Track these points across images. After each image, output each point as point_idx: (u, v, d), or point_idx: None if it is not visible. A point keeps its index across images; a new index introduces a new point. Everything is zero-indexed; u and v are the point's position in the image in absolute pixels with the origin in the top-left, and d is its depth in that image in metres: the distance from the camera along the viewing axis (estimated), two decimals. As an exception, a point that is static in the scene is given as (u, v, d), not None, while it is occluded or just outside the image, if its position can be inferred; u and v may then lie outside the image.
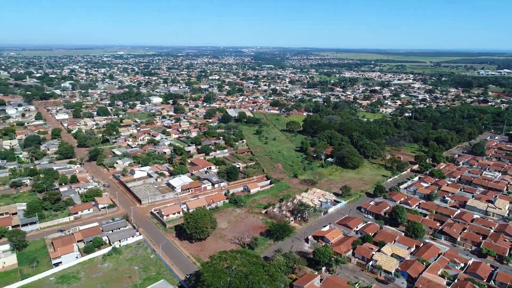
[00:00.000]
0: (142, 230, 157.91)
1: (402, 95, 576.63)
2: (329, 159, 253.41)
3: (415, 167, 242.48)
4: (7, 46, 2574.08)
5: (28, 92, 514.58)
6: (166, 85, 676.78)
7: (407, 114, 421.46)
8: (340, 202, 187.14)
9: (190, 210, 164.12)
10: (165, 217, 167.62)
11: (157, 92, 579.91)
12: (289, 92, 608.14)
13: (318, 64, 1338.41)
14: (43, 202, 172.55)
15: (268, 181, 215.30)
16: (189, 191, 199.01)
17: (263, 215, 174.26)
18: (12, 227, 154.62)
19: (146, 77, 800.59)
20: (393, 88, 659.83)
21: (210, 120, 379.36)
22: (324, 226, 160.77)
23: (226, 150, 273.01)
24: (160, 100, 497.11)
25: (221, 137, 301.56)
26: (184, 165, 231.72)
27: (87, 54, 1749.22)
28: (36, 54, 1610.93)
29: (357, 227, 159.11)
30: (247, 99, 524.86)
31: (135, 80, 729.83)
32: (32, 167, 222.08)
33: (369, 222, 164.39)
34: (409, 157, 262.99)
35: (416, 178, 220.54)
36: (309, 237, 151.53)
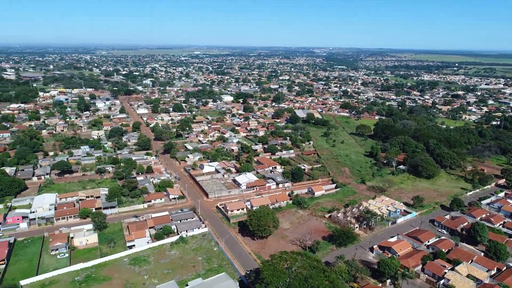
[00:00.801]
0: (207, 222, 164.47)
1: (490, 101, 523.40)
2: (401, 167, 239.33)
3: (502, 181, 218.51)
4: (100, 46, 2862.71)
5: (115, 88, 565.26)
6: (237, 84, 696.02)
7: (494, 123, 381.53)
8: (410, 213, 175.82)
9: (254, 208, 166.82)
10: (229, 212, 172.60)
11: (228, 91, 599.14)
12: (361, 94, 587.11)
13: (394, 65, 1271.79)
14: (122, 188, 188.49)
15: (334, 185, 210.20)
16: (253, 189, 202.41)
17: (327, 219, 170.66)
18: (96, 209, 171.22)
19: (219, 76, 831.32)
20: (479, 94, 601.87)
21: (278, 120, 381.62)
22: (392, 237, 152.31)
23: (292, 151, 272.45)
24: (231, 98, 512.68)
25: (288, 138, 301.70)
26: (250, 163, 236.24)
27: (167, 53, 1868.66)
28: (123, 54, 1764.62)
29: (428, 241, 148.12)
30: (316, 100, 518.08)
31: (209, 79, 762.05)
32: (114, 156, 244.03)
33: (442, 237, 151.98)
34: (495, 170, 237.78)
35: (501, 194, 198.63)
36: (374, 246, 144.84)
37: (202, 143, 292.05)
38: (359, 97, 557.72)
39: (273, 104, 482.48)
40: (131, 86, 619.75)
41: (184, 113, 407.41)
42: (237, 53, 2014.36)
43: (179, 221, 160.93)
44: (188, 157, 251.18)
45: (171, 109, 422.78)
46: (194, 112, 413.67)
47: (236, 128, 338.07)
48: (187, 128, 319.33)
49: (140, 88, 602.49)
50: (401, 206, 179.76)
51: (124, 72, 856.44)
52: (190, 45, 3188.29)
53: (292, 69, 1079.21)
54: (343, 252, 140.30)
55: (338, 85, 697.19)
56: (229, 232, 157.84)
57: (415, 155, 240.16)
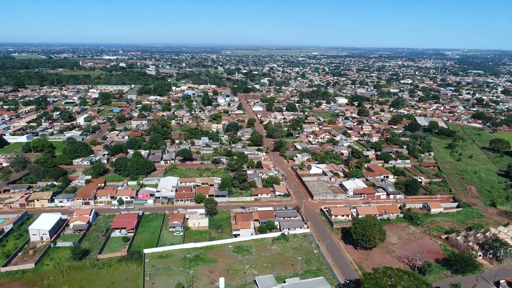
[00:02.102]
0: (309, 223, 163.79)
1: None
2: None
3: None
4: (226, 46, 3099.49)
5: (235, 85, 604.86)
6: (353, 87, 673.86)
7: None
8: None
9: (360, 216, 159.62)
10: (333, 216, 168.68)
11: (343, 93, 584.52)
12: (500, 104, 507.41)
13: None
14: (233, 180, 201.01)
15: (455, 204, 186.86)
16: (361, 196, 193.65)
17: (443, 240, 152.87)
18: (209, 196, 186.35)
19: (335, 77, 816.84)
20: None
21: (395, 127, 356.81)
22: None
23: (408, 161, 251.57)
24: (345, 101, 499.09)
25: (404, 146, 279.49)
26: (360, 169, 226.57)
27: (285, 54, 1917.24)
28: (246, 53, 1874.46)
29: None
30: (442, 108, 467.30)
31: (324, 80, 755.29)
32: (229, 149, 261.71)
33: None
34: None
35: None
36: (501, 281, 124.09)
37: (312, 144, 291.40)
38: (497, 107, 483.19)
39: (391, 109, 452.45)
40: (249, 84, 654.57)
41: (296, 112, 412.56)
42: (356, 55, 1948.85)
43: (282, 218, 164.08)
44: (296, 156, 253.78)
45: (284, 108, 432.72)
46: (306, 113, 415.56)
47: (348, 131, 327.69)
48: (298, 128, 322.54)
49: (257, 86, 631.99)
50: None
51: (244, 71, 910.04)
52: (308, 46, 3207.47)
53: (417, 72, 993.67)
54: (460, 281, 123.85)
55: (471, 92, 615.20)
56: (331, 236, 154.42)
57: None
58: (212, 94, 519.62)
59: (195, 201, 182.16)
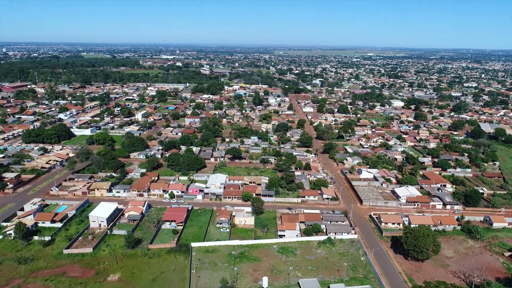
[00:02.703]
0: (357, 229, 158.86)
1: None
2: None
3: None
4: (279, 46, 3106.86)
5: (286, 86, 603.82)
6: (410, 89, 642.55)
7: None
8: None
9: (412, 225, 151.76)
10: (383, 224, 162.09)
11: (399, 95, 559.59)
12: None
13: None
14: (280, 180, 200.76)
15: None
16: (414, 205, 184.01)
17: (506, 258, 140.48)
18: (256, 195, 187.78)
19: (391, 79, 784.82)
20: None
21: (455, 133, 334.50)
22: None
23: (469, 170, 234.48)
24: (401, 104, 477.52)
25: (465, 154, 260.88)
26: (414, 176, 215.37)
27: (339, 54, 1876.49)
28: (298, 54, 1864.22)
29: None
30: (511, 114, 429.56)
31: (379, 82, 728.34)
32: (278, 149, 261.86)
33: None
34: None
35: None
36: None
37: (363, 147, 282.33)
38: None
39: (452, 114, 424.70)
40: (301, 85, 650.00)
41: (348, 115, 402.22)
42: (415, 56, 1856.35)
43: (329, 222, 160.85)
44: (346, 159, 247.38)
45: (336, 109, 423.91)
46: (359, 115, 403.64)
47: (403, 136, 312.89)
48: (350, 131, 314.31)
49: (309, 87, 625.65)
50: None
51: (296, 72, 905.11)
52: (363, 46, 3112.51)
53: (483, 75, 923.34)
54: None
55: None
56: (380, 244, 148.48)
57: None
58: (263, 94, 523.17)
59: (242, 199, 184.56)
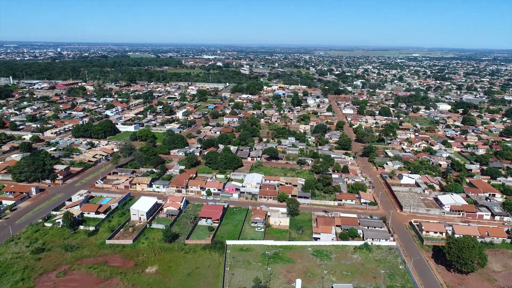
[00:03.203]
0: (396, 236, 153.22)
1: None
2: None
3: None
4: (319, 46, 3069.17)
5: (326, 87, 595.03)
6: (459, 92, 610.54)
7: None
8: None
9: (456, 235, 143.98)
10: (424, 232, 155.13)
11: (446, 98, 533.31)
12: None
13: None
14: (317, 182, 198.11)
15: None
16: (459, 214, 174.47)
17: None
18: (291, 196, 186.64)
19: (438, 81, 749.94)
20: None
21: (507, 139, 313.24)
22: None
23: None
24: (447, 107, 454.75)
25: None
26: (460, 184, 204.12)
27: (382, 55, 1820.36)
28: (339, 54, 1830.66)
29: None
30: None
31: (424, 84, 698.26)
32: (315, 150, 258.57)
33: None
34: None
35: None
36: None
37: (405, 151, 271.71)
38: None
39: (505, 119, 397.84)
40: (341, 86, 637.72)
41: (390, 117, 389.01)
42: (464, 57, 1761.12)
43: (366, 227, 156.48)
44: (387, 163, 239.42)
45: (377, 112, 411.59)
46: (401, 118, 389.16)
47: (449, 141, 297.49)
48: (391, 134, 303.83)
49: (349, 88, 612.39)
50: None
51: (337, 72, 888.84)
52: (408, 47, 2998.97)
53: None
54: None
55: None
56: (420, 253, 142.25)
57: None
58: (302, 94, 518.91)
59: (278, 199, 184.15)
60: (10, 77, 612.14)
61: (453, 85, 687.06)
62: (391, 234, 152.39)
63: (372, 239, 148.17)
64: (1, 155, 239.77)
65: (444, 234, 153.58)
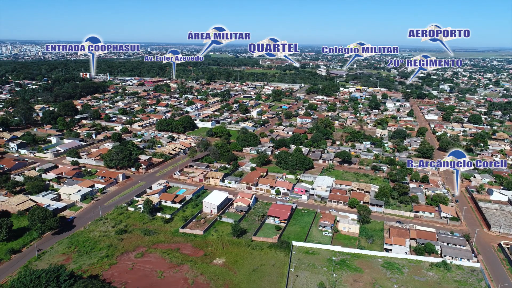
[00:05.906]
0: (481, 258, 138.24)
1: None
2: None
3: None
4: (403, 47, 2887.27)
5: (408, 90, 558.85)
6: None
7: None
8: None
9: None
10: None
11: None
12: None
13: None
14: (392, 190, 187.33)
15: None
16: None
17: None
18: (363, 202, 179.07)
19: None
20: None
21: None
22: None
23: None
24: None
25: None
26: None
27: (475, 57, 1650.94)
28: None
29: None
30: None
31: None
32: (392, 157, 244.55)
33: None
34: None
35: None
36: None
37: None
38: None
39: None
40: (425, 89, 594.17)
41: (481, 126, 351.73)
42: None
43: (445, 244, 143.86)
44: (474, 176, 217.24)
45: (466, 119, 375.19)
46: (495, 127, 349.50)
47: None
48: (482, 144, 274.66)
49: (434, 92, 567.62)
50: None
51: (421, 75, 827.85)
52: (509, 48, 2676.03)
53: None
54: None
55: None
56: (509, 280, 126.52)
57: None
58: (380, 97, 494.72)
59: (348, 205, 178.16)
60: (107, 73, 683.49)
61: None
62: (474, 255, 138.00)
63: (452, 257, 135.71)
64: (96, 143, 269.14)
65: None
